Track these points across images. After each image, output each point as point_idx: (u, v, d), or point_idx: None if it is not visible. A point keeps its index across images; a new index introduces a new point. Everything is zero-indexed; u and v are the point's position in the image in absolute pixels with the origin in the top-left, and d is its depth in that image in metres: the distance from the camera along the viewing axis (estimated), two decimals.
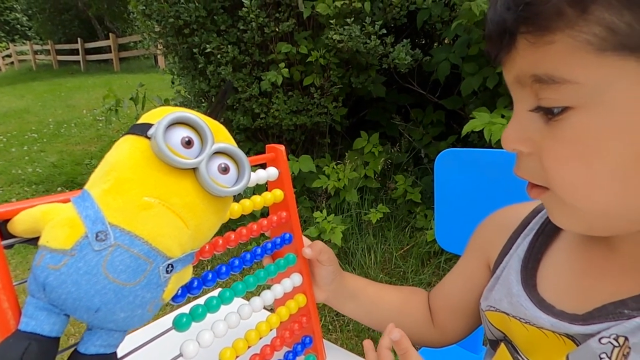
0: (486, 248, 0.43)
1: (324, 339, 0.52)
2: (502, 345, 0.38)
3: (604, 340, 0.28)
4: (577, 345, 0.30)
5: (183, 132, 0.28)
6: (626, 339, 0.27)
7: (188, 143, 0.28)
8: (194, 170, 0.28)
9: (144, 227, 0.25)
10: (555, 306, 0.33)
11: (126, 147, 0.27)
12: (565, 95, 0.24)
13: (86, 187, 0.27)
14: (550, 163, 0.26)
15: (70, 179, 3.19)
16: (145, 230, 0.25)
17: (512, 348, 0.37)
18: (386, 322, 0.51)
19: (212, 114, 0.32)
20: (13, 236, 0.26)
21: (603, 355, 0.28)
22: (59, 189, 3.01)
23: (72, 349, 0.26)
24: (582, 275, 0.34)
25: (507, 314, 0.36)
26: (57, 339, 0.24)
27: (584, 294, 0.32)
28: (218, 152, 0.29)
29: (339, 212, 1.95)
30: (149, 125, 0.28)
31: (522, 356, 0.35)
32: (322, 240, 1.73)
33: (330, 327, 1.50)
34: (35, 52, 11.09)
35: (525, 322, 0.34)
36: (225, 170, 0.29)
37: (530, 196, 0.30)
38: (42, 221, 0.24)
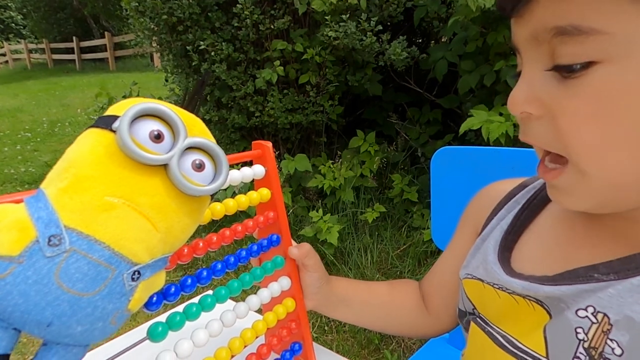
0: (476, 221, 0.43)
1: (317, 342, 0.50)
2: (472, 323, 0.38)
3: (581, 313, 0.28)
4: (550, 316, 0.30)
5: (152, 125, 0.25)
6: (605, 315, 0.26)
7: (157, 137, 0.25)
8: (165, 167, 0.25)
9: (105, 230, 0.22)
10: (524, 274, 0.33)
11: (88, 142, 0.25)
12: (590, 48, 0.22)
13: (42, 185, 0.24)
14: (566, 123, 0.25)
15: None
16: (107, 233, 0.22)
17: (482, 322, 0.36)
18: (379, 320, 0.51)
19: (189, 106, 0.30)
20: None
21: (579, 330, 0.27)
22: None
23: None
24: (559, 244, 0.34)
25: (482, 281, 0.36)
26: (7, 355, 0.21)
27: (557, 261, 0.32)
28: (192, 148, 0.27)
29: (335, 211, 1.93)
30: (115, 118, 0.25)
31: (494, 326, 0.35)
32: (317, 240, 1.71)
33: (326, 328, 1.47)
34: (30, 51, 10.99)
35: (498, 288, 0.34)
36: (200, 167, 0.27)
37: (545, 178, 0.29)
38: None
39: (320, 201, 2.01)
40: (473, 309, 0.38)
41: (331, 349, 0.52)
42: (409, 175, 1.97)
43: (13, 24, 13.95)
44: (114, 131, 0.25)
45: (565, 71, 0.24)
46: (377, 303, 0.50)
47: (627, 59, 0.22)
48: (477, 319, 0.37)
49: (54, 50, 10.16)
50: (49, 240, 0.21)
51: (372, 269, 1.73)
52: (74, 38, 9.26)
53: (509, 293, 0.33)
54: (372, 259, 1.77)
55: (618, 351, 0.26)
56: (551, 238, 0.35)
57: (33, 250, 0.21)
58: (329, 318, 1.50)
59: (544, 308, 0.31)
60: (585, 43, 0.22)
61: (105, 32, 8.68)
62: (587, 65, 0.23)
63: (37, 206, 0.22)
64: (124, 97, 2.19)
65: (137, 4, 1.92)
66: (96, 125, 0.26)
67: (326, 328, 1.47)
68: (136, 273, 0.24)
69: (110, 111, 0.26)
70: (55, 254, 0.21)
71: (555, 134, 0.26)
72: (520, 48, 0.27)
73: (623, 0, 0.21)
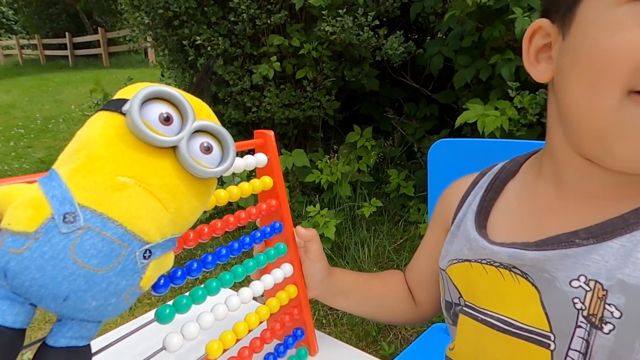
0: (444, 215, 0.45)
1: (316, 331, 0.51)
2: (461, 315, 0.39)
3: (574, 284, 0.29)
4: (537, 289, 0.31)
5: (161, 108, 0.26)
6: (597, 282, 0.28)
7: (167, 119, 0.26)
8: (174, 149, 0.26)
9: (118, 208, 0.23)
10: (505, 242, 0.35)
11: (98, 124, 0.25)
12: None
13: (54, 166, 0.24)
14: None
15: None
16: (120, 212, 0.23)
17: (471, 310, 0.37)
18: (373, 309, 0.54)
19: (195, 91, 0.30)
20: None
21: (576, 300, 0.29)
22: None
23: (41, 342, 0.24)
24: (532, 213, 0.36)
25: (470, 261, 0.37)
26: (23, 330, 0.22)
27: (532, 230, 0.34)
28: (200, 131, 0.27)
29: (332, 206, 1.94)
30: (124, 101, 0.26)
31: (486, 311, 0.36)
32: None
33: (323, 321, 1.48)
34: (22, 47, 10.84)
35: (486, 263, 0.35)
36: (208, 149, 0.27)
37: None
38: (4, 202, 0.22)
39: (317, 196, 2.02)
40: (459, 298, 0.39)
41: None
42: (406, 170, 1.99)
43: (4, 20, 13.74)
44: (124, 114, 0.25)
45: None
46: (373, 295, 0.53)
47: None
48: (464, 308, 0.38)
49: (47, 46, 10.03)
50: (64, 218, 0.22)
51: (369, 263, 1.74)
52: (67, 34, 9.14)
53: (496, 267, 0.35)
54: (369, 253, 1.78)
55: (617, 314, 0.27)
56: (520, 210, 0.37)
57: (49, 227, 0.21)
58: (327, 311, 1.51)
59: (529, 281, 0.32)
60: None
61: (99, 28, 8.58)
62: None
63: (50, 185, 0.23)
64: None
65: None
66: (106, 108, 0.26)
67: (324, 321, 1.48)
68: (147, 251, 0.24)
69: (119, 95, 0.27)
70: (71, 231, 0.21)
71: None
72: None
73: None
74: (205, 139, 0.27)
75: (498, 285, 0.34)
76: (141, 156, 0.25)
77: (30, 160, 3.44)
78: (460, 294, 0.39)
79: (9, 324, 0.21)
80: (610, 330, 0.27)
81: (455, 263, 0.39)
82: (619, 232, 0.29)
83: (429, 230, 0.50)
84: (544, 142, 0.60)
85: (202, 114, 0.28)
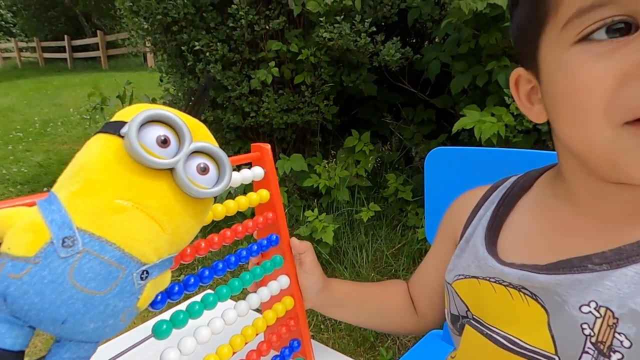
0: (454, 228, 0.44)
1: (314, 340, 0.51)
2: (467, 327, 0.38)
3: (584, 309, 0.29)
4: (546, 312, 0.31)
5: (159, 131, 0.26)
6: (608, 309, 0.28)
7: (164, 142, 0.26)
8: (171, 170, 0.26)
9: (116, 231, 0.24)
10: (515, 262, 0.34)
11: (97, 147, 0.26)
12: None
13: (53, 189, 0.25)
14: None
15: (56, 179, 3.10)
16: (117, 235, 0.24)
17: (478, 324, 0.37)
18: (372, 319, 0.54)
19: (192, 111, 0.31)
20: None
21: (585, 326, 0.28)
22: (45, 189, 2.90)
23: None
24: (544, 233, 0.35)
25: (477, 278, 0.37)
26: (21, 352, 0.22)
27: (544, 251, 0.33)
28: (197, 152, 0.28)
29: (330, 211, 1.94)
30: (122, 123, 0.26)
31: (492, 327, 0.35)
32: (313, 239, 1.72)
33: (322, 326, 1.49)
34: (21, 50, 10.84)
35: (495, 281, 0.35)
36: (204, 170, 0.28)
37: None
38: (4, 226, 0.23)
39: (315, 200, 2.02)
40: (466, 311, 0.38)
41: (327, 346, 0.53)
42: (404, 174, 1.99)
43: (3, 22, 13.74)
44: (122, 136, 0.26)
45: None
46: (371, 306, 0.52)
47: None
48: (472, 321, 0.37)
49: (45, 49, 10.03)
50: (63, 242, 0.22)
51: (368, 268, 1.74)
52: (65, 36, 9.15)
53: (504, 286, 0.34)
54: (368, 257, 1.79)
55: (627, 343, 0.27)
56: (532, 229, 0.36)
57: (48, 252, 0.22)
58: (325, 317, 1.51)
59: (539, 302, 0.31)
60: None
61: (98, 31, 8.59)
62: None
63: (50, 209, 0.23)
64: (118, 96, 2.18)
65: (131, 3, 1.92)
66: (104, 130, 0.27)
67: (322, 327, 1.49)
68: (145, 272, 0.25)
69: (117, 117, 0.27)
70: (69, 255, 0.22)
71: None
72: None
73: None
74: (201, 160, 0.28)
75: (506, 304, 0.34)
76: (139, 179, 0.25)
77: (28, 164, 3.44)
78: (467, 307, 0.38)
79: (8, 346, 0.22)
80: None
81: (462, 279, 0.39)
82: (633, 259, 0.28)
83: (436, 241, 0.50)
84: (538, 151, 0.60)
85: (199, 134, 0.29)
